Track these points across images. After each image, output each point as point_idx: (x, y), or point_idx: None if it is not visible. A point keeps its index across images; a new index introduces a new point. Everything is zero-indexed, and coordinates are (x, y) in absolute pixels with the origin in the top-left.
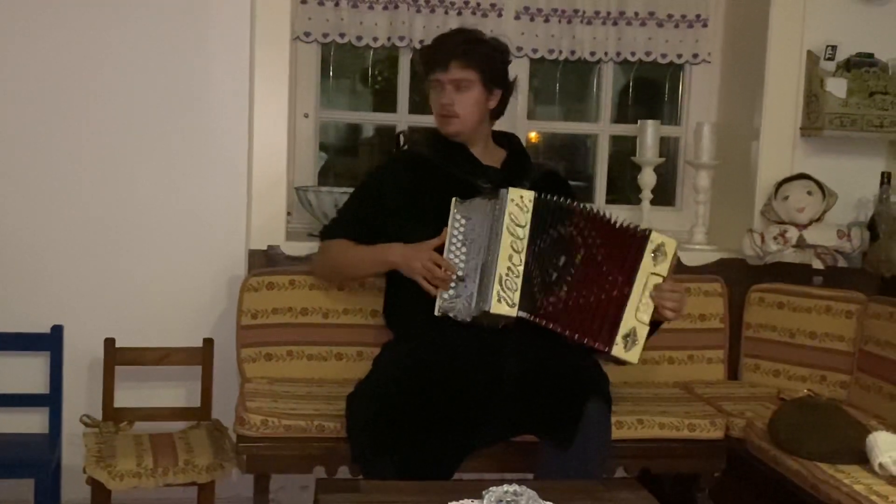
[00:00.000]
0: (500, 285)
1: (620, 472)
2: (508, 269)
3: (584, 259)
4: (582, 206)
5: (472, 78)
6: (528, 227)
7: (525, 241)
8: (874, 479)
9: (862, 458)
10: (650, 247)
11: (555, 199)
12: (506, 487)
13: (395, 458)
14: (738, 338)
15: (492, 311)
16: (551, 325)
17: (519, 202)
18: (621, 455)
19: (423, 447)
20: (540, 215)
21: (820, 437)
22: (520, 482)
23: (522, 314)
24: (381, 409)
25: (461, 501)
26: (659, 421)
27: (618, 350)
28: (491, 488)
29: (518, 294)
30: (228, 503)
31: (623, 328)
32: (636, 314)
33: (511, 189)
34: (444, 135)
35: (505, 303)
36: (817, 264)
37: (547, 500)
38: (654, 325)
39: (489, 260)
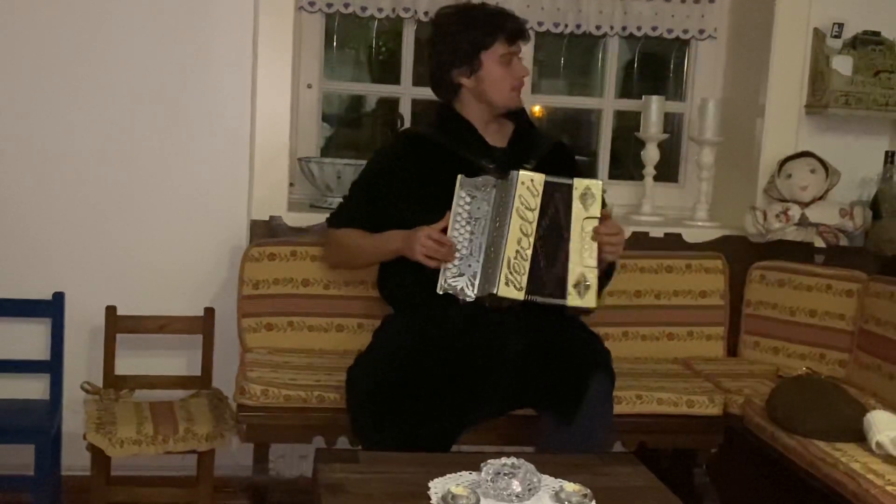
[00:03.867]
0: (508, 269)
1: (618, 446)
2: (517, 252)
3: (561, 228)
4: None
5: None
6: (537, 210)
7: (534, 225)
8: (871, 457)
9: (859, 436)
10: (576, 194)
11: (563, 182)
12: (504, 460)
13: (395, 430)
14: (738, 315)
15: (499, 294)
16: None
17: (530, 185)
18: (619, 430)
19: (422, 420)
20: (550, 198)
21: (818, 415)
22: (518, 455)
23: (530, 297)
24: (381, 382)
25: (459, 473)
26: (658, 396)
27: (572, 299)
28: (489, 461)
29: (526, 278)
30: (228, 472)
31: (571, 277)
32: (581, 260)
33: (521, 172)
34: (512, 107)
35: (513, 286)
36: (819, 243)
37: (545, 473)
38: (610, 268)
39: (495, 241)
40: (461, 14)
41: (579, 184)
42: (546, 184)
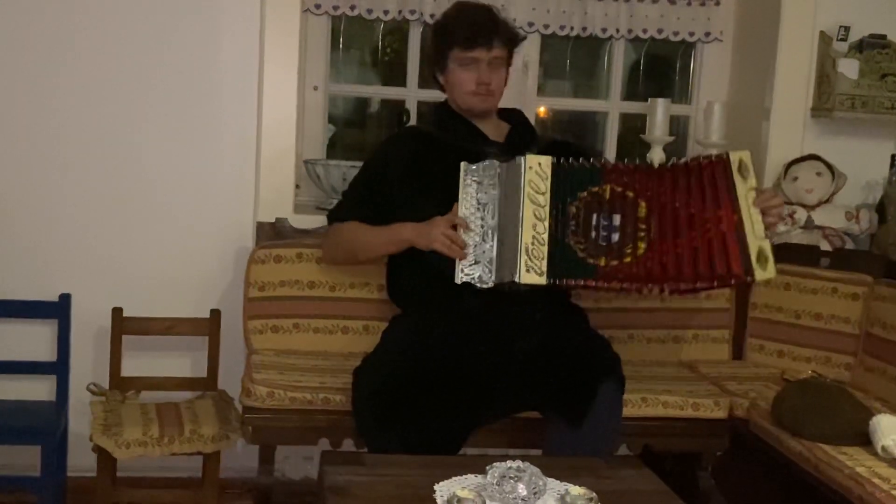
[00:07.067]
0: (527, 255)
1: (623, 449)
2: (533, 237)
3: (652, 210)
4: (606, 160)
5: (504, 56)
6: (548, 193)
7: (547, 209)
8: (876, 461)
9: (865, 440)
10: (734, 167)
11: (572, 161)
12: (509, 463)
13: (401, 432)
14: (743, 318)
15: (521, 281)
16: (642, 287)
17: (538, 169)
18: (625, 433)
19: (428, 422)
20: (560, 180)
21: (823, 418)
22: (524, 458)
23: (552, 280)
24: (387, 384)
25: (465, 476)
26: (663, 399)
27: (759, 274)
28: (494, 464)
29: (545, 262)
30: (233, 473)
31: (753, 252)
32: (754, 233)
33: (528, 156)
34: (475, 111)
35: (534, 272)
36: (825, 246)
37: (550, 476)
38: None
39: (508, 223)
40: (442, 16)
41: (734, 156)
42: (555, 167)
